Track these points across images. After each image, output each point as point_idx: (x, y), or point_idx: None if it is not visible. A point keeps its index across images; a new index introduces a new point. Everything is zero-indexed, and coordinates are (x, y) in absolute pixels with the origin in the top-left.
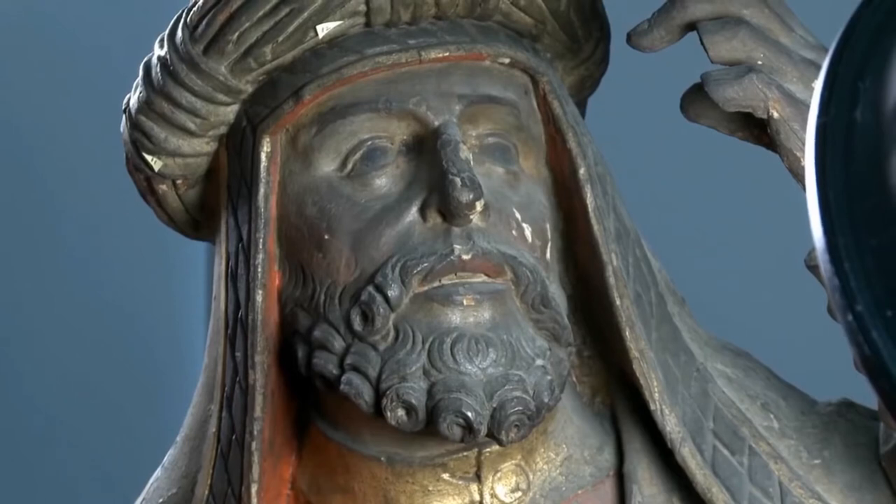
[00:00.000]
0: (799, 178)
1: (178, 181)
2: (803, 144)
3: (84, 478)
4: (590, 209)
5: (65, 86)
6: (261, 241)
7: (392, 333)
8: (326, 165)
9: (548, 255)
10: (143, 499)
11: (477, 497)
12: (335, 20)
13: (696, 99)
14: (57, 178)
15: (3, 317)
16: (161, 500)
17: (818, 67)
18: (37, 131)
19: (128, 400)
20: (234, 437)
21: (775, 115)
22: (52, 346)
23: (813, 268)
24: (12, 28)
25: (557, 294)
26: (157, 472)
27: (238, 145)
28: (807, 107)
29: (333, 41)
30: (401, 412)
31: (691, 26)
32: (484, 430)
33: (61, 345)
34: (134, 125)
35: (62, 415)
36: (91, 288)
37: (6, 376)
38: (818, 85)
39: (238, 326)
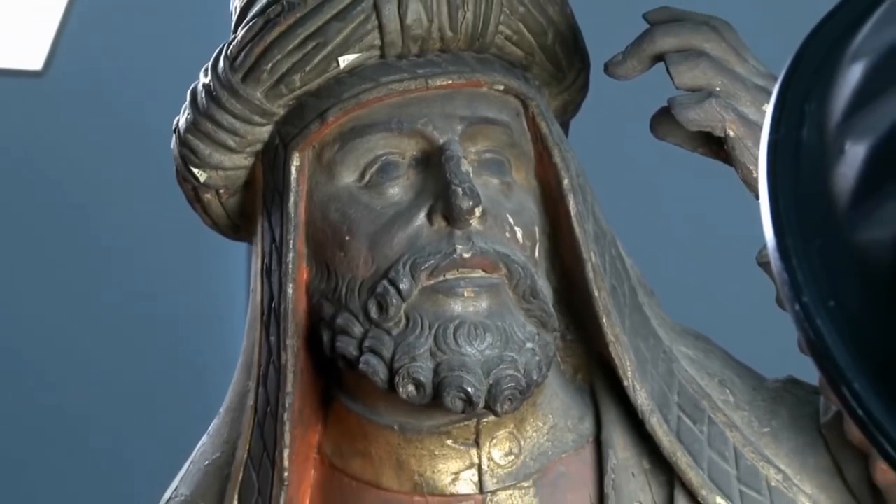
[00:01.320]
0: (752, 188)
1: (221, 191)
2: (755, 159)
3: (142, 446)
4: (572, 214)
5: (122, 111)
6: (291, 241)
7: (403, 320)
8: (347, 177)
9: (536, 253)
10: (192, 461)
11: (476, 460)
12: (354, 53)
13: (664, 120)
14: (120, 188)
15: (74, 313)
16: (206, 463)
17: (769, 93)
18: (99, 159)
19: (179, 377)
20: (268, 408)
21: (731, 133)
22: (119, 331)
23: (764, 264)
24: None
25: (544, 287)
26: (203, 439)
27: (272, 160)
28: (759, 127)
29: (353, 70)
30: (411, 388)
31: (659, 58)
32: (482, 402)
33: (127, 331)
34: (182, 142)
35: (124, 389)
36: (150, 285)
37: (78, 363)
38: (770, 107)
39: (272, 315)
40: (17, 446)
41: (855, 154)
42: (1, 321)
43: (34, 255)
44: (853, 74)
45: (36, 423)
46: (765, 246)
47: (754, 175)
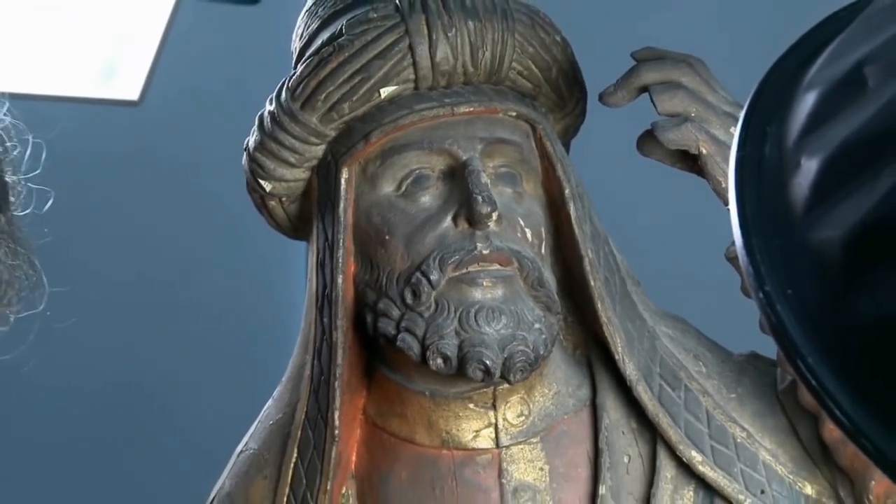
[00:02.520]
0: (721, 196)
1: (283, 199)
2: (725, 172)
3: (221, 410)
4: (573, 218)
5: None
6: (341, 240)
7: (433, 305)
8: (387, 187)
9: (543, 250)
10: (259, 421)
11: (493, 420)
12: (393, 85)
13: (648, 140)
14: (209, 204)
15: (168, 305)
16: (271, 422)
17: (735, 118)
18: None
19: (251, 353)
20: (322, 378)
21: (704, 151)
22: (207, 318)
23: (731, 259)
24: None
25: (549, 278)
26: (269, 403)
27: (325, 173)
28: (727, 146)
29: (392, 100)
30: (439, 361)
31: (644, 89)
32: (498, 373)
33: (214, 318)
34: (251, 159)
35: (207, 365)
36: (231, 282)
37: (168, 345)
38: (737, 129)
39: (325, 301)
40: (108, 423)
41: (809, 168)
42: (105, 324)
43: (133, 269)
44: (807, 102)
45: (126, 400)
46: (732, 244)
47: (723, 186)
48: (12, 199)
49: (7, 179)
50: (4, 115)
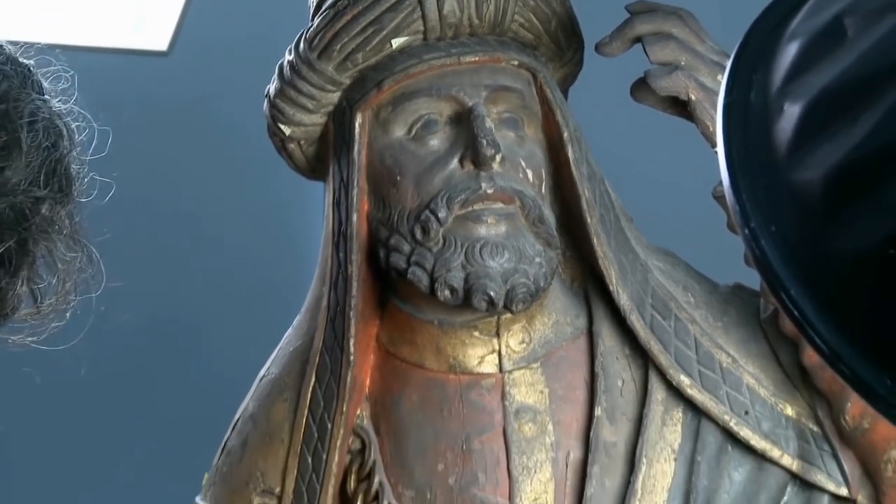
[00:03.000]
0: (709, 140)
1: (301, 142)
2: (713, 117)
3: (244, 338)
4: (570, 160)
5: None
6: (355, 180)
7: (441, 241)
8: (398, 131)
9: (543, 189)
10: (280, 348)
11: (497, 347)
12: (403, 36)
13: (641, 87)
14: (234, 149)
15: (200, 245)
16: (291, 349)
17: (722, 67)
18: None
19: (271, 286)
20: (338, 308)
21: (693, 98)
22: (231, 253)
23: (718, 198)
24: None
25: (549, 215)
26: (289, 331)
27: (340, 118)
28: (715, 93)
29: (402, 50)
30: (447, 292)
31: (637, 39)
32: (501, 303)
33: (234, 251)
34: (272, 105)
35: (230, 298)
36: (250, 216)
37: (194, 281)
38: (724, 77)
39: (341, 237)
40: (138, 354)
41: (791, 113)
42: (135, 260)
43: (162, 209)
44: (790, 51)
45: (156, 331)
46: (719, 183)
47: (711, 130)
48: (75, 191)
49: (73, 170)
50: (69, 102)
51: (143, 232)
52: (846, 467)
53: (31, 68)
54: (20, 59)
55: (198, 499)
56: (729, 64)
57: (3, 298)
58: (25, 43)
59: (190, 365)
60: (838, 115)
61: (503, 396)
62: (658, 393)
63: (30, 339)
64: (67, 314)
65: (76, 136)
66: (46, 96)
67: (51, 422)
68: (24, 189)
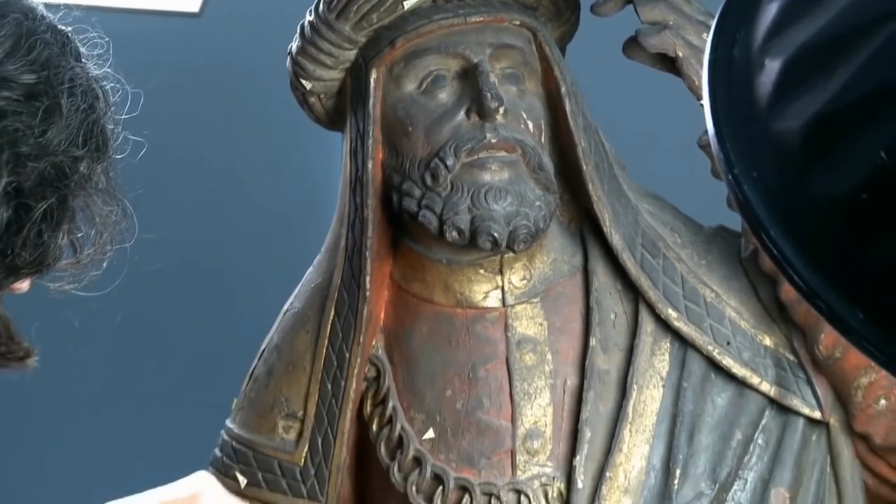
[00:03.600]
0: (695, 94)
1: (321, 96)
2: (699, 73)
3: (266, 275)
4: (568, 112)
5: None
6: (371, 131)
7: (449, 186)
8: (409, 86)
9: (542, 139)
10: (302, 284)
11: (500, 283)
12: None
13: (632, 44)
14: (265, 104)
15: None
16: (312, 285)
17: (707, 26)
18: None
19: (295, 228)
20: (355, 248)
21: (680, 54)
22: (255, 196)
23: (703, 147)
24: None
25: (548, 163)
26: (310, 269)
27: (357, 74)
28: (701, 50)
29: (413, 11)
30: (454, 233)
31: (629, 1)
32: (504, 243)
33: (260, 198)
34: (294, 62)
35: (252, 240)
36: (274, 166)
37: (215, 225)
38: (710, 35)
39: (357, 183)
40: (170, 296)
41: (772, 68)
42: (167, 207)
43: (193, 162)
44: (771, 11)
45: (188, 273)
46: (705, 133)
47: (697, 84)
48: (110, 150)
49: (108, 130)
50: (105, 67)
51: (173, 186)
52: (819, 393)
53: (70, 35)
54: (59, 27)
55: (228, 422)
56: (714, 23)
57: (46, 250)
58: (64, 7)
59: (219, 305)
60: (816, 69)
61: (506, 328)
62: (647, 325)
63: (70, 286)
64: (104, 263)
65: (111, 99)
66: (84, 62)
67: (88, 362)
68: (64, 149)
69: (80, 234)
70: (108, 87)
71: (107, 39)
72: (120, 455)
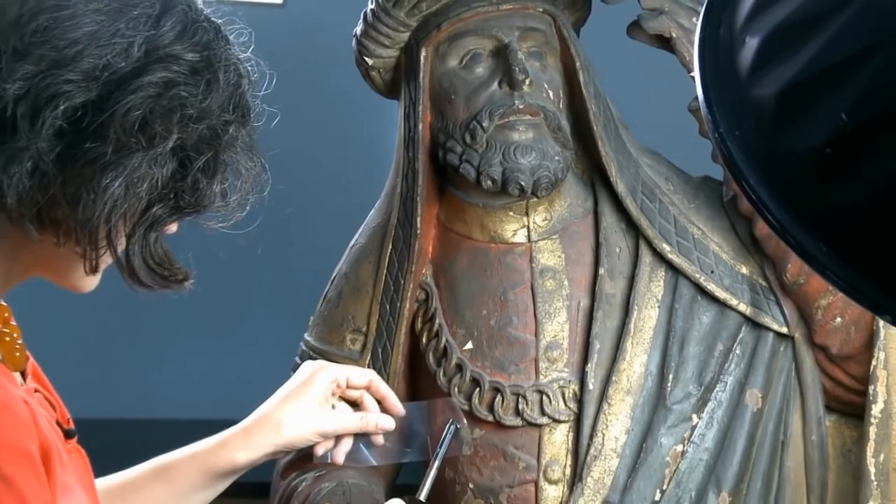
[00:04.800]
0: (686, 68)
1: (381, 70)
2: (689, 50)
3: (336, 216)
4: (581, 83)
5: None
6: (421, 99)
7: (485, 144)
8: (452, 62)
9: (560, 105)
10: (366, 224)
11: (526, 223)
12: None
13: (635, 27)
14: (343, 81)
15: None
16: (373, 224)
17: (697, 11)
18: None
19: (357, 181)
20: (408, 194)
21: (674, 35)
22: (328, 155)
23: (693, 111)
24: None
25: (565, 125)
26: (371, 212)
27: (409, 52)
28: (691, 31)
29: (455, 0)
30: (489, 182)
31: None
32: (530, 190)
33: (331, 156)
34: (358, 42)
35: (328, 191)
36: (342, 130)
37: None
38: (699, 18)
39: (410, 141)
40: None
41: (752, 44)
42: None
43: (283, 149)
44: None
45: (267, 226)
46: (694, 99)
47: (688, 59)
48: (252, 118)
49: (250, 101)
50: (246, 52)
51: (274, 152)
52: (786, 312)
53: (220, 25)
54: (212, 18)
55: (306, 335)
56: (703, 8)
57: (203, 194)
58: (214, 2)
59: (303, 241)
60: (788, 45)
61: (531, 260)
62: (646, 257)
63: (219, 224)
64: (247, 207)
65: (252, 76)
66: (231, 46)
67: (229, 287)
68: (218, 115)
69: (227, 184)
70: (249, 66)
71: (249, 30)
72: (238, 356)
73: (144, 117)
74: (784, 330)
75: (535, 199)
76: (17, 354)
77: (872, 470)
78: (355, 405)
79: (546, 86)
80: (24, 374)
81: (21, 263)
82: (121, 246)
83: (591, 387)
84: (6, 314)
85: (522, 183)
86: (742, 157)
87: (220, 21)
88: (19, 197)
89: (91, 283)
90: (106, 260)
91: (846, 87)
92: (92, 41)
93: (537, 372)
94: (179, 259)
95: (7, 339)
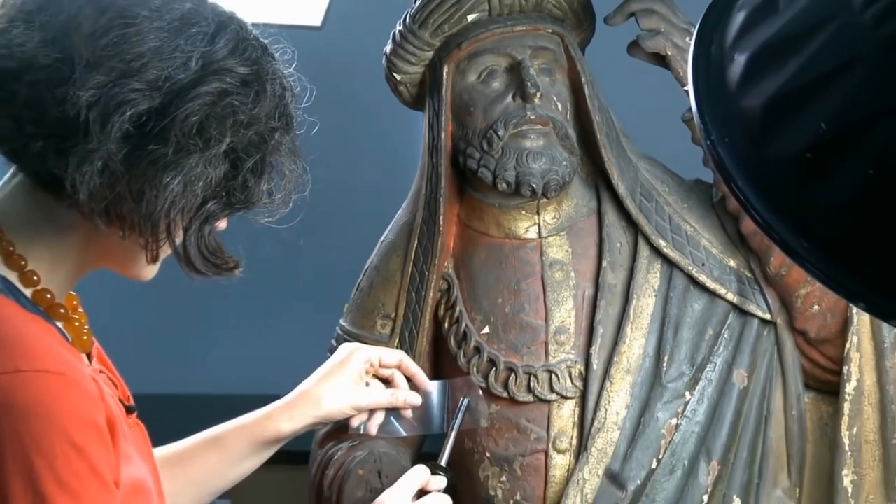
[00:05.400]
0: (680, 82)
1: (408, 85)
2: (684, 67)
3: (366, 215)
4: (587, 96)
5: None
6: (443, 110)
7: (500, 151)
8: (471, 77)
9: (568, 116)
10: (394, 221)
11: (537, 220)
12: (475, 13)
13: (634, 46)
14: (377, 104)
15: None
16: (401, 222)
17: (690, 32)
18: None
19: (386, 186)
20: (432, 195)
21: (670, 53)
22: (361, 161)
23: (686, 121)
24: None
25: (572, 133)
26: (399, 212)
27: (433, 69)
28: (685, 50)
29: (474, 22)
30: (504, 185)
31: (632, 14)
32: (540, 192)
33: (363, 161)
34: (388, 60)
35: (360, 195)
36: (373, 140)
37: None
38: (693, 38)
39: (433, 148)
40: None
41: (740, 61)
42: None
43: (322, 156)
44: (738, 18)
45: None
46: (688, 110)
47: (682, 74)
48: (294, 126)
49: (293, 111)
50: (289, 67)
51: (315, 158)
52: (769, 300)
53: (267, 44)
54: (260, 38)
55: (341, 321)
56: (696, 29)
57: (252, 192)
58: (261, 24)
59: (339, 236)
60: (772, 62)
61: (541, 254)
62: (644, 251)
63: (266, 219)
64: (290, 204)
65: (294, 90)
66: (276, 62)
67: (274, 276)
68: (265, 122)
69: (273, 183)
70: (292, 81)
71: (292, 49)
72: (281, 338)
73: (201, 122)
74: (767, 316)
75: (545, 200)
76: (85, 338)
77: (846, 442)
78: (387, 382)
79: (555, 98)
80: (89, 357)
81: (91, 254)
82: (178, 238)
83: (594, 367)
84: (75, 302)
85: (534, 185)
86: (731, 161)
87: (266, 41)
88: (90, 193)
89: (151, 271)
90: (165, 250)
91: (825, 98)
92: (155, 55)
93: (547, 354)
94: (230, 250)
95: (76, 324)
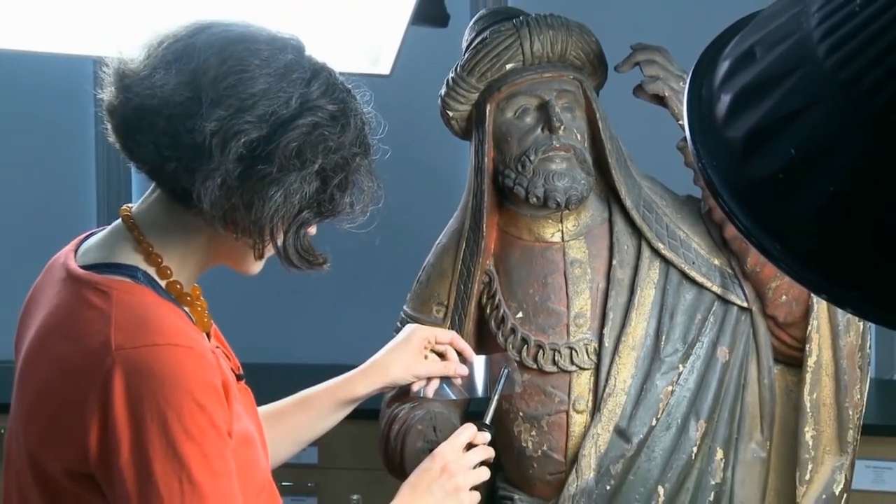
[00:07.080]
0: (676, 118)
1: (458, 120)
2: (680, 107)
3: (426, 222)
4: (601, 129)
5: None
6: (486, 140)
7: (531, 172)
8: (509, 114)
9: (585, 144)
10: (447, 227)
11: (560, 227)
12: (512, 63)
13: (638, 90)
14: (439, 143)
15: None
16: (452, 229)
17: (684, 78)
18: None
19: (440, 202)
20: (477, 207)
21: (667, 94)
22: (419, 180)
23: (681, 149)
24: None
25: (589, 158)
26: (450, 221)
27: (479, 107)
28: (680, 91)
29: (511, 70)
30: (534, 199)
31: (636, 63)
32: (563, 205)
33: (421, 181)
34: (442, 100)
35: (421, 205)
36: (430, 167)
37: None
38: (687, 82)
39: (478, 170)
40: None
41: (725, 100)
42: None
43: (391, 178)
44: (724, 66)
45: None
46: (682, 139)
47: (678, 112)
48: (371, 151)
49: (370, 141)
50: (369, 107)
51: (388, 177)
52: (746, 292)
53: (350, 87)
54: (345, 83)
55: (404, 306)
56: (689, 74)
57: (337, 204)
58: (345, 73)
59: (406, 238)
60: (751, 100)
61: (564, 254)
62: (646, 252)
63: (348, 225)
64: (367, 214)
65: (371, 124)
66: (358, 102)
67: (354, 270)
68: (349, 148)
69: (354, 197)
70: (369, 117)
71: (370, 92)
72: (358, 319)
73: (299, 148)
74: (745, 305)
75: (567, 211)
76: (206, 320)
77: (808, 405)
78: (441, 356)
79: (575, 131)
80: (209, 335)
81: (211, 253)
82: (279, 240)
83: (606, 344)
84: (198, 292)
85: (558, 199)
86: (718, 180)
87: (350, 85)
88: (211, 203)
89: (258, 267)
90: (269, 250)
91: (794, 130)
92: (264, 95)
93: (568, 333)
94: (320, 248)
95: (199, 309)
